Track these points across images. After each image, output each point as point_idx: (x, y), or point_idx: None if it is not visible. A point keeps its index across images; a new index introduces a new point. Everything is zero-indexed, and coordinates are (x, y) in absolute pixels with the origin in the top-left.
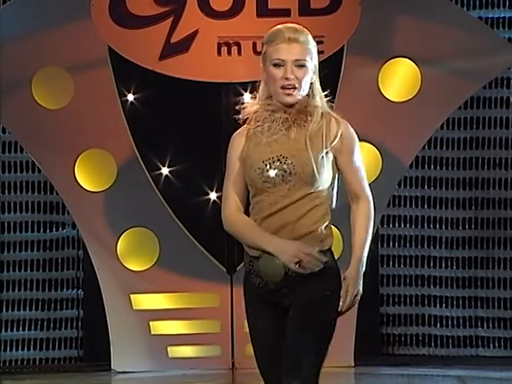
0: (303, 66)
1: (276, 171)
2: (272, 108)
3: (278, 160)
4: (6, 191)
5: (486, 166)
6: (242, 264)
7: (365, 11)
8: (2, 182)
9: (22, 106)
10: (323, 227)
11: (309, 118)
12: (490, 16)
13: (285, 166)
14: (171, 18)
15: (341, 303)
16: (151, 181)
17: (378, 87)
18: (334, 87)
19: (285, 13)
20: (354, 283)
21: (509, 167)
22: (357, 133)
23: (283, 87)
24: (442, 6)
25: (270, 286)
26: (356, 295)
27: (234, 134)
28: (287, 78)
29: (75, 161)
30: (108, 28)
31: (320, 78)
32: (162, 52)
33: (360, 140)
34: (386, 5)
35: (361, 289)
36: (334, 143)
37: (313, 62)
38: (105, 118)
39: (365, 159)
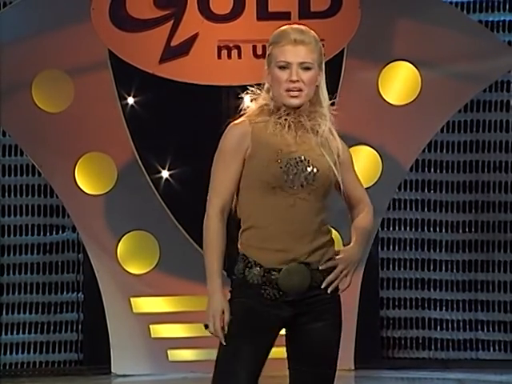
0: (309, 68)
1: (300, 173)
2: (277, 109)
3: (302, 161)
4: (7, 194)
5: (486, 169)
6: (236, 276)
7: (365, 14)
8: (3, 186)
9: (22, 109)
10: (331, 236)
11: (317, 127)
12: (490, 19)
13: (309, 169)
14: (171, 22)
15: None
16: (151, 184)
17: (378, 90)
18: (334, 90)
19: (285, 16)
20: (352, 264)
21: (509, 170)
22: (356, 136)
23: (288, 89)
24: (442, 9)
25: (288, 296)
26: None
27: (232, 123)
28: (292, 81)
29: (75, 164)
30: (108, 31)
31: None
32: (162, 55)
33: (360, 143)
34: (386, 8)
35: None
36: (340, 156)
37: (319, 64)
38: (105, 121)
39: (365, 162)
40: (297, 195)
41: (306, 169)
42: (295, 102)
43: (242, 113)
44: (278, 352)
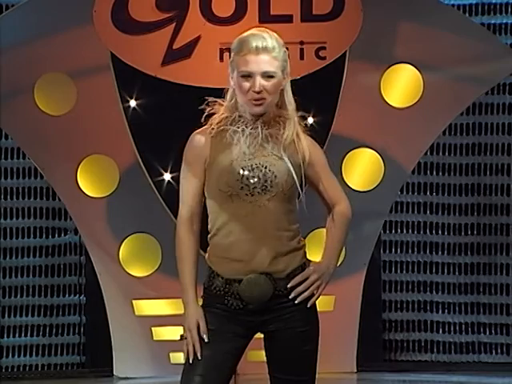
0: (272, 76)
1: (256, 179)
2: (241, 115)
3: (258, 168)
4: (9, 197)
5: (488, 172)
6: (204, 285)
7: (367, 17)
8: (4, 188)
9: (24, 112)
10: (299, 242)
11: (282, 131)
12: (493, 22)
13: (266, 176)
14: (173, 24)
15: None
16: (153, 186)
17: (381, 93)
18: (337, 93)
19: (287, 19)
20: (325, 276)
21: (511, 173)
22: (358, 138)
23: (251, 99)
24: (445, 11)
25: (250, 307)
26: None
27: (195, 132)
28: (255, 92)
29: (77, 166)
30: (110, 34)
31: (322, 86)
32: (165, 58)
33: (362, 146)
34: (388, 11)
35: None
36: (308, 158)
37: (283, 69)
38: (107, 123)
39: (367, 165)
40: (255, 203)
41: (264, 175)
42: (259, 109)
43: (205, 121)
44: None
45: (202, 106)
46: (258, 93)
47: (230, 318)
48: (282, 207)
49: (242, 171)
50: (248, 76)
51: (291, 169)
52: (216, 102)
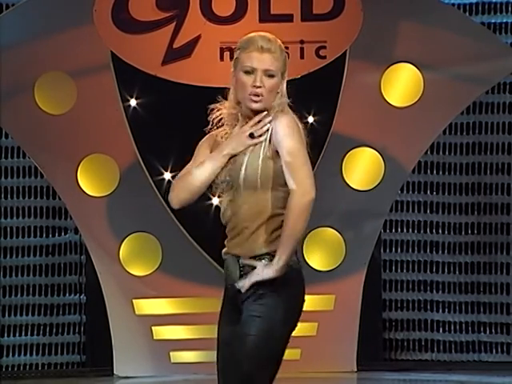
0: (272, 76)
1: (223, 177)
2: (239, 113)
3: (226, 164)
4: (9, 196)
5: (488, 171)
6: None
7: (367, 16)
8: (5, 188)
9: (24, 111)
10: (274, 231)
11: (252, 130)
12: (493, 21)
13: (230, 172)
14: (174, 24)
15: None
16: (154, 186)
17: (381, 92)
18: (337, 92)
19: (287, 18)
20: (257, 277)
21: (511, 172)
22: (359, 138)
23: (251, 93)
24: (445, 11)
25: (234, 287)
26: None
27: (202, 140)
28: (256, 86)
29: (78, 166)
30: (110, 33)
31: (322, 86)
32: (165, 57)
33: (362, 145)
34: (388, 10)
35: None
36: (267, 142)
37: (282, 73)
38: (107, 123)
39: (367, 164)
40: (226, 198)
41: (227, 171)
42: (256, 105)
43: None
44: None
45: (208, 111)
46: (258, 88)
47: (229, 292)
48: (248, 198)
49: (221, 170)
50: (250, 72)
51: (244, 162)
52: (218, 105)
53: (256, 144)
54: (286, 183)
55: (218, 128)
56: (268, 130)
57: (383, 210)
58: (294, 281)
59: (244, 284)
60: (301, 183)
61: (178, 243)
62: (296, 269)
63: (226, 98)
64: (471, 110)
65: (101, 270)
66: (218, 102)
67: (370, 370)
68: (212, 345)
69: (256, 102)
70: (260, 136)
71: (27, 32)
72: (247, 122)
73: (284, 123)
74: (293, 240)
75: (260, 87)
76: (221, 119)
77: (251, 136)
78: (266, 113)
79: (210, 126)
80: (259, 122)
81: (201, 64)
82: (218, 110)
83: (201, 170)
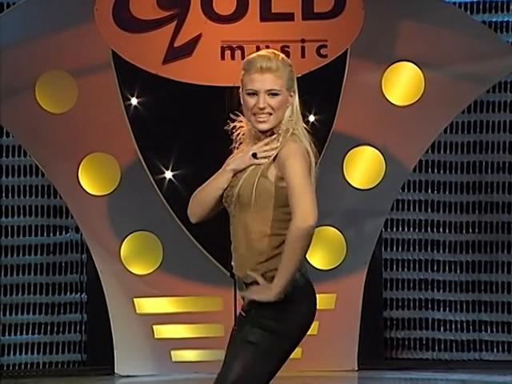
0: (276, 94)
1: (231, 193)
2: (252, 130)
3: (233, 182)
4: (10, 195)
5: (489, 170)
6: None
7: (368, 15)
8: (5, 186)
9: (25, 110)
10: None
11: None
12: (494, 20)
13: (235, 189)
14: (175, 22)
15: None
16: (155, 184)
17: (382, 91)
18: (338, 91)
19: (288, 17)
20: (256, 296)
21: None
22: (359, 136)
23: (255, 114)
24: (446, 9)
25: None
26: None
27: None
28: (260, 108)
29: (79, 164)
30: (111, 32)
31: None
32: (166, 56)
33: (363, 144)
34: (390, 9)
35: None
36: (269, 163)
37: (289, 87)
38: (108, 121)
39: (368, 163)
40: (232, 214)
41: (234, 188)
42: (263, 126)
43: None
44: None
45: (230, 128)
46: (262, 109)
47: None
48: (248, 216)
49: (228, 187)
50: (254, 94)
51: (241, 180)
52: (237, 122)
53: (258, 164)
54: (288, 205)
55: (239, 145)
56: (271, 155)
57: (384, 208)
58: (297, 303)
59: (246, 295)
60: (302, 210)
61: (178, 242)
62: (300, 286)
63: (226, 98)
64: (472, 109)
65: (102, 269)
66: (236, 118)
67: (370, 369)
68: (213, 344)
69: (262, 122)
70: (264, 158)
71: (28, 31)
72: (256, 143)
73: (291, 151)
74: (291, 263)
75: (264, 108)
76: (240, 135)
77: (254, 156)
78: (275, 136)
79: (233, 145)
80: (266, 144)
81: (202, 63)
82: (239, 128)
83: (209, 184)
